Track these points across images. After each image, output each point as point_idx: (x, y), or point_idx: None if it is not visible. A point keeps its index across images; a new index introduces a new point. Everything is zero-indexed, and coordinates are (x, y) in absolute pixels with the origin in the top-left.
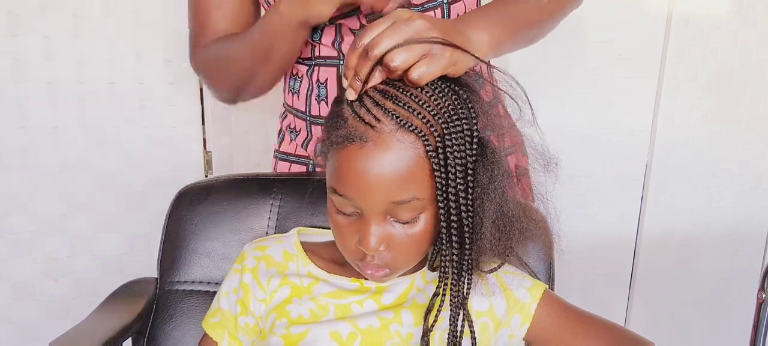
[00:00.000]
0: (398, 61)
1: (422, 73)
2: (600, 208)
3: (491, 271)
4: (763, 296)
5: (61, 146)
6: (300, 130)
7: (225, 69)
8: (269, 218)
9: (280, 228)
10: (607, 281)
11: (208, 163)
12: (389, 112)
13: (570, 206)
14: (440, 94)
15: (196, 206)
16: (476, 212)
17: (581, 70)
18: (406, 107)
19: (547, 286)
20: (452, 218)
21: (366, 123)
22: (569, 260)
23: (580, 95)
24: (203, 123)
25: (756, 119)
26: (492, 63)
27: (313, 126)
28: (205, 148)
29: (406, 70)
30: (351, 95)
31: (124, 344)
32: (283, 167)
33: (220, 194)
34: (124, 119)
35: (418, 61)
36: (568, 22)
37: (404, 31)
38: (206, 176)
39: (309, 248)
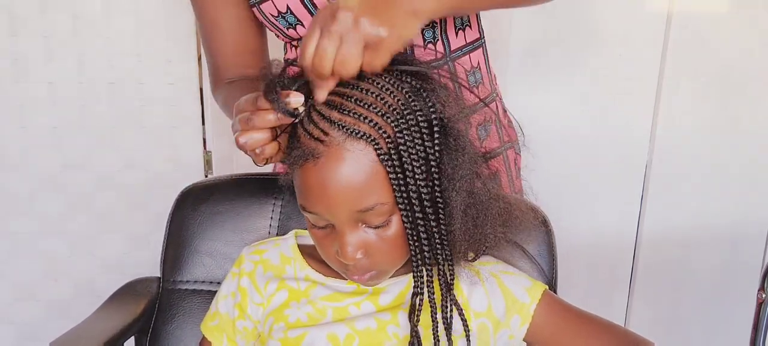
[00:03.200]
0: (348, 71)
1: (374, 67)
2: (600, 208)
3: (473, 259)
4: (763, 296)
5: (61, 146)
6: None
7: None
8: (271, 218)
9: (282, 228)
10: (607, 281)
11: (208, 164)
12: (335, 123)
13: (570, 206)
14: (388, 92)
15: (198, 205)
16: (445, 204)
17: (581, 70)
18: (352, 114)
19: (546, 286)
20: (417, 215)
21: (315, 139)
22: (569, 260)
23: (580, 95)
24: (203, 123)
25: (756, 119)
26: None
27: None
28: (205, 148)
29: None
30: (321, 96)
31: (127, 343)
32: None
33: (222, 194)
34: (124, 119)
35: (364, 58)
36: (568, 22)
37: (335, 33)
38: (206, 176)
39: (306, 251)
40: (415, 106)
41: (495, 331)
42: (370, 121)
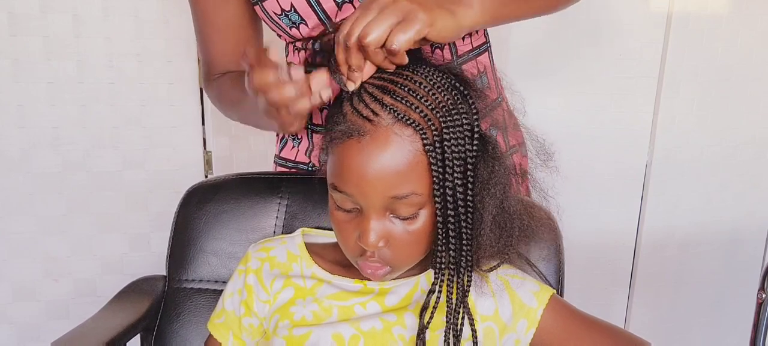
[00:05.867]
0: (370, 38)
1: (398, 41)
2: (600, 208)
3: (491, 269)
4: (763, 296)
5: (61, 146)
6: (302, 137)
7: (225, 112)
8: (277, 217)
9: (288, 227)
10: (607, 281)
11: (208, 163)
12: (387, 106)
13: (570, 206)
14: (439, 89)
15: (204, 204)
16: (476, 208)
17: (582, 70)
18: (404, 102)
19: (554, 291)
20: (449, 212)
21: (364, 117)
22: (569, 260)
23: (581, 95)
24: (203, 123)
25: (756, 119)
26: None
27: (314, 135)
28: (205, 148)
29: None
30: (351, 86)
31: (133, 341)
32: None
33: (227, 193)
34: (124, 119)
35: (391, 32)
36: (568, 22)
37: (375, 8)
38: (206, 176)
39: (313, 250)
40: (461, 108)
41: (501, 335)
42: (421, 111)
